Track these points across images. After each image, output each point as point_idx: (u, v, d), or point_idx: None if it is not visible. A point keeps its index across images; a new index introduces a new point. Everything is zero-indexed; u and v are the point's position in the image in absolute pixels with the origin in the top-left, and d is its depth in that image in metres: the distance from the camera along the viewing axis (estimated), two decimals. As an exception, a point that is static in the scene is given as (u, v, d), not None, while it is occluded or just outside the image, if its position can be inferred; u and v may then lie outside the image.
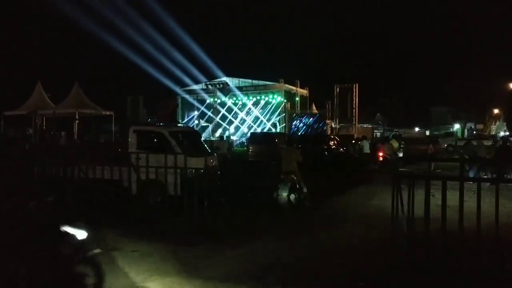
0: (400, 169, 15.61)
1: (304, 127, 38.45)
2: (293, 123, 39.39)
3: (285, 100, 41.55)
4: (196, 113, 46.24)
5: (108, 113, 28.76)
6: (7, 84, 43.58)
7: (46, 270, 4.60)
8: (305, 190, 11.00)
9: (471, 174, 14.81)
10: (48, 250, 4.68)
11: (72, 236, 4.85)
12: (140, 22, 48.01)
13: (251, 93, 43.45)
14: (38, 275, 4.54)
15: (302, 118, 39.56)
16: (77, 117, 27.17)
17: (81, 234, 4.91)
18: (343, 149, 24.99)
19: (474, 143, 19.78)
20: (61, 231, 4.82)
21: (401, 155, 21.70)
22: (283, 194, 10.86)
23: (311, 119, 39.39)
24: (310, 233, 8.30)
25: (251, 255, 6.82)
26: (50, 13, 56.95)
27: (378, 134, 56.84)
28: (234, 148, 30.34)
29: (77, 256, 4.89)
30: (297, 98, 43.56)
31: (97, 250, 5.10)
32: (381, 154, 18.38)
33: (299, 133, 36.88)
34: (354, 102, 41.50)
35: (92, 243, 5.18)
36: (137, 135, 11.57)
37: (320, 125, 38.65)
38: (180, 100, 44.39)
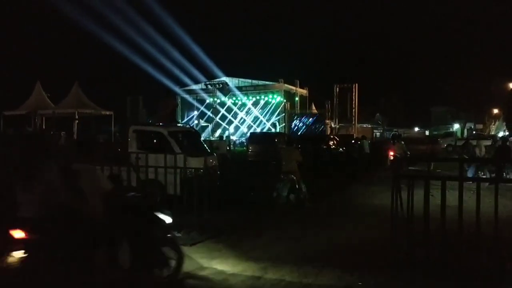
0: (409, 168, 15.90)
1: (304, 127, 38.46)
2: (293, 123, 39.41)
3: (285, 100, 41.58)
4: (195, 113, 46.27)
5: (107, 113, 28.74)
6: (6, 84, 43.54)
7: (145, 248, 5.26)
8: (304, 190, 11.01)
9: (469, 174, 14.82)
10: (147, 230, 5.39)
11: (162, 221, 5.56)
12: (139, 21, 47.97)
13: (251, 93, 43.48)
14: (139, 251, 5.20)
15: (302, 118, 39.58)
16: (76, 117, 27.16)
17: (168, 220, 5.62)
18: (342, 149, 25.01)
19: (474, 143, 19.81)
20: (155, 215, 5.53)
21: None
22: (283, 194, 10.85)
23: (310, 119, 39.39)
24: (310, 233, 8.30)
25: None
26: (50, 13, 56.98)
27: (378, 134, 56.87)
28: (232, 148, 30.33)
29: (166, 237, 5.61)
30: (296, 98, 43.59)
31: (178, 234, 6.04)
32: (392, 153, 18.54)
33: (299, 133, 36.89)
34: (353, 102, 41.53)
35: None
36: (136, 135, 11.58)
37: (320, 125, 38.66)
38: (179, 100, 44.41)
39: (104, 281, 4.98)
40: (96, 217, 5.00)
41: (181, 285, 5.45)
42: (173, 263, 5.39)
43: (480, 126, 58.56)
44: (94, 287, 4.83)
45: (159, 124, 13.37)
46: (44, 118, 29.09)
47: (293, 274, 5.92)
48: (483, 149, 18.03)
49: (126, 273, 5.07)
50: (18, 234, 4.85)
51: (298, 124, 39.11)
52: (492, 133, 51.03)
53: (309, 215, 10.15)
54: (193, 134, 13.96)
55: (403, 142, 19.58)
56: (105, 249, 5.08)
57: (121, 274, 5.07)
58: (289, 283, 5.67)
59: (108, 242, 5.08)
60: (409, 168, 16.07)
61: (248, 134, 34.20)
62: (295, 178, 10.88)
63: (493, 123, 58.39)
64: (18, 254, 4.98)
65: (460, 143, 30.49)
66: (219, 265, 6.31)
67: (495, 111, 57.12)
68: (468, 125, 60.20)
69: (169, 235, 5.69)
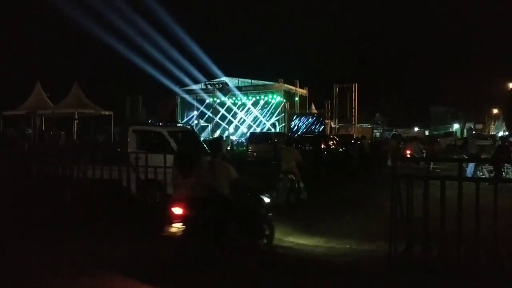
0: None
1: (304, 126, 38.48)
2: (292, 123, 39.41)
3: (285, 100, 41.60)
4: (195, 113, 46.33)
5: (107, 113, 28.70)
6: (6, 84, 43.51)
7: (252, 222, 6.83)
8: (304, 190, 11.01)
9: (468, 173, 14.84)
10: (256, 208, 6.96)
11: (264, 201, 7.02)
12: (139, 21, 47.99)
13: (251, 93, 43.51)
14: (249, 224, 6.79)
15: (302, 118, 39.59)
16: (76, 117, 27.11)
17: (267, 200, 7.08)
18: (342, 149, 25.04)
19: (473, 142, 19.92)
20: (260, 197, 7.02)
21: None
22: (283, 194, 10.85)
23: (310, 119, 39.40)
24: (309, 233, 8.32)
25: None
26: (49, 13, 56.92)
27: (378, 134, 56.86)
28: (233, 148, 30.34)
29: (266, 215, 7.05)
30: (296, 98, 43.63)
31: (271, 213, 7.15)
32: (408, 152, 19.58)
33: (299, 133, 36.93)
34: (353, 102, 41.54)
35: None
36: (136, 135, 11.59)
37: (319, 124, 38.69)
38: (179, 100, 44.48)
39: (231, 245, 6.52)
40: (227, 197, 6.64)
41: (274, 251, 6.93)
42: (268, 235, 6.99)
43: (479, 126, 58.58)
44: (224, 250, 6.35)
45: (159, 124, 13.39)
46: (43, 118, 29.05)
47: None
48: (477, 148, 18.18)
49: (238, 240, 6.72)
50: (177, 210, 6.49)
51: (298, 123, 39.11)
52: (492, 133, 51.07)
53: (308, 215, 10.15)
54: (192, 134, 13.98)
55: (420, 141, 20.44)
56: (232, 220, 6.65)
57: (236, 241, 6.68)
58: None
59: (234, 216, 6.61)
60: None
61: (248, 134, 34.24)
62: (294, 178, 10.88)
63: (492, 123, 58.44)
64: (178, 225, 6.73)
65: (460, 143, 30.53)
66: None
67: (495, 111, 57.18)
68: (467, 125, 60.22)
69: (269, 214, 7.14)
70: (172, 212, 6.52)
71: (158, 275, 5.74)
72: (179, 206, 6.41)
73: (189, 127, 20.60)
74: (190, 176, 6.53)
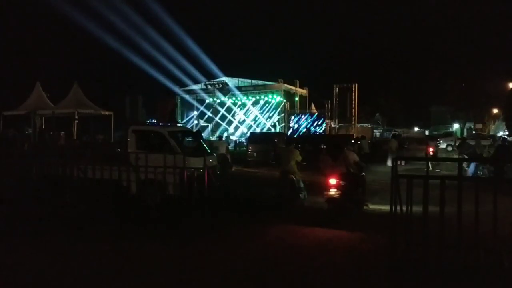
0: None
1: (303, 126, 38.44)
2: (291, 122, 39.37)
3: (285, 100, 41.59)
4: (195, 113, 46.31)
5: (107, 113, 28.68)
6: (6, 84, 43.48)
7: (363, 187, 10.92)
8: (304, 189, 11.02)
9: (470, 172, 14.84)
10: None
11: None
12: (139, 22, 48.06)
13: (251, 93, 43.49)
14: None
15: (301, 117, 39.55)
16: (76, 117, 27.09)
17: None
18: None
19: (471, 143, 19.99)
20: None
21: None
22: (283, 193, 10.87)
23: (309, 118, 39.35)
24: (310, 230, 8.32)
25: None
26: (49, 13, 56.94)
27: (378, 134, 56.84)
28: (232, 148, 30.29)
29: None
30: (296, 98, 43.61)
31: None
32: (431, 149, 21.75)
33: (298, 133, 36.91)
34: (353, 102, 41.55)
35: None
36: (136, 135, 11.59)
37: (319, 124, 38.65)
38: (179, 100, 44.46)
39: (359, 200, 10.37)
40: (355, 173, 10.36)
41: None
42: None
43: (479, 126, 58.56)
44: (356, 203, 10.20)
45: (159, 124, 13.40)
46: (44, 118, 29.04)
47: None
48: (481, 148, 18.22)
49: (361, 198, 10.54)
50: (333, 181, 9.61)
51: (298, 122, 39.04)
52: (492, 133, 51.07)
53: (308, 215, 10.17)
54: (193, 134, 13.99)
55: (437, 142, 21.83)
56: (359, 186, 10.43)
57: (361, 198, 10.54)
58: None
59: (359, 183, 10.47)
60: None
61: (248, 134, 34.21)
62: (294, 178, 10.89)
63: (492, 123, 58.44)
64: (333, 192, 9.55)
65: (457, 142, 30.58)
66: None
67: (495, 111, 57.17)
68: (467, 125, 60.20)
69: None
70: (329, 182, 9.60)
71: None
72: (334, 178, 9.59)
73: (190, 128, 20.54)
74: (337, 160, 10.10)
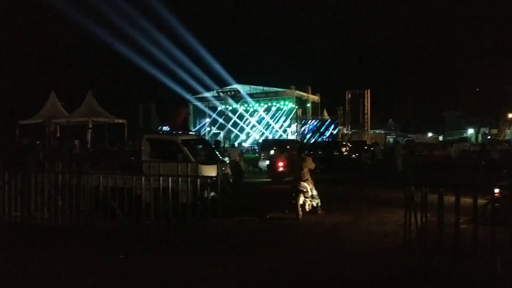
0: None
1: (314, 132, 38.38)
2: (302, 128, 39.29)
3: (297, 107, 41.61)
4: (207, 120, 46.54)
5: (120, 121, 28.97)
6: (22, 93, 44.15)
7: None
8: (317, 196, 10.99)
9: None
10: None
11: None
12: (152, 30, 48.43)
13: (262, 99, 43.60)
14: None
15: (312, 123, 39.52)
16: (90, 125, 27.40)
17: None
18: (355, 155, 24.94)
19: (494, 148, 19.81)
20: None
21: None
22: (297, 201, 10.83)
23: (321, 124, 39.26)
24: (323, 240, 8.30)
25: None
26: (64, 22, 57.74)
27: (391, 140, 56.44)
28: (244, 155, 30.32)
29: None
30: (308, 105, 43.62)
31: None
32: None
33: (311, 140, 36.88)
34: (366, 108, 41.39)
35: None
36: (150, 143, 11.68)
37: (331, 130, 38.57)
38: (192, 107, 44.74)
39: None
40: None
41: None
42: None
43: (494, 131, 57.75)
44: None
45: (172, 132, 13.48)
46: (58, 127, 29.44)
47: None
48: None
49: None
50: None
51: (309, 128, 38.98)
52: (507, 137, 50.35)
53: (322, 223, 10.14)
54: (205, 142, 14.06)
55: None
56: None
57: None
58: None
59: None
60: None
61: (261, 141, 34.24)
62: (308, 185, 10.87)
63: (508, 128, 57.60)
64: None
65: (475, 148, 30.21)
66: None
67: (510, 115, 56.37)
68: (482, 130, 59.39)
69: None
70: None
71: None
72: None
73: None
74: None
